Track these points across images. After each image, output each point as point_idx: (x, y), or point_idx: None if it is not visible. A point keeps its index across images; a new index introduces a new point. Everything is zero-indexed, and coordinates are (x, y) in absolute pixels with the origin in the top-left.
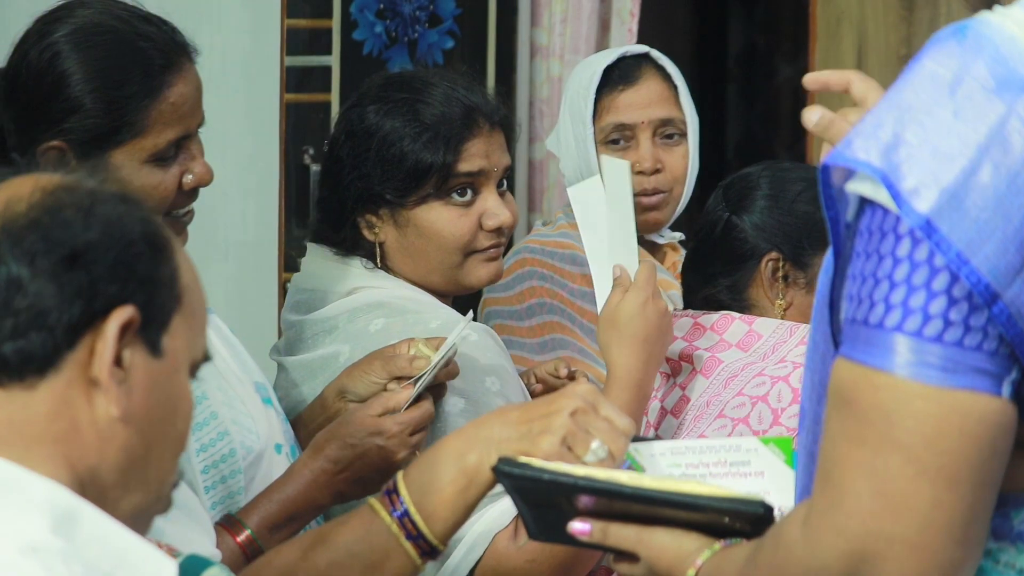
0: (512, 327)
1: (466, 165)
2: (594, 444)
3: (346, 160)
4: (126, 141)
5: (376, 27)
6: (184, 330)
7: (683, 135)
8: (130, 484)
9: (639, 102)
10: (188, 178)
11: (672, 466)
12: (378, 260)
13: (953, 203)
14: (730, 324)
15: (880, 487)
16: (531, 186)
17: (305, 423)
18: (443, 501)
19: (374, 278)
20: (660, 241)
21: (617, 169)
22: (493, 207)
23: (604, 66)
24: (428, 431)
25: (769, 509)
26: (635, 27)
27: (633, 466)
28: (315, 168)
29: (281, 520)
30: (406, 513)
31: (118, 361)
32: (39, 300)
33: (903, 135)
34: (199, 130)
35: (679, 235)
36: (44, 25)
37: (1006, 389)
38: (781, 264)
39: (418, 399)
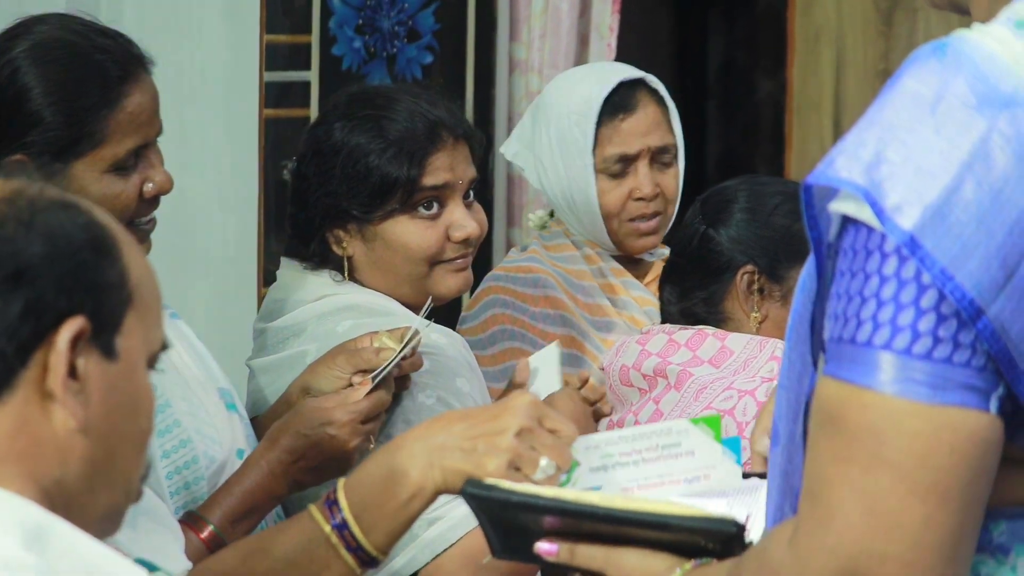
0: (477, 356)
1: (431, 179)
2: (543, 462)
3: (313, 177)
4: (86, 152)
5: (355, 42)
6: (138, 327)
7: (675, 157)
8: (96, 488)
9: (639, 130)
10: (149, 186)
11: (605, 456)
12: (346, 273)
13: (936, 219)
14: (703, 340)
15: (871, 505)
16: (510, 201)
17: (269, 420)
18: (383, 515)
19: (343, 287)
20: (651, 259)
21: (550, 352)
22: (459, 219)
23: (603, 95)
24: (382, 419)
25: (740, 528)
26: (614, 42)
27: None
28: None
29: (241, 512)
30: (345, 524)
31: (72, 372)
32: None
33: (885, 153)
34: (158, 140)
35: (666, 251)
36: (2, 42)
37: (993, 405)
38: (757, 277)
39: (375, 389)
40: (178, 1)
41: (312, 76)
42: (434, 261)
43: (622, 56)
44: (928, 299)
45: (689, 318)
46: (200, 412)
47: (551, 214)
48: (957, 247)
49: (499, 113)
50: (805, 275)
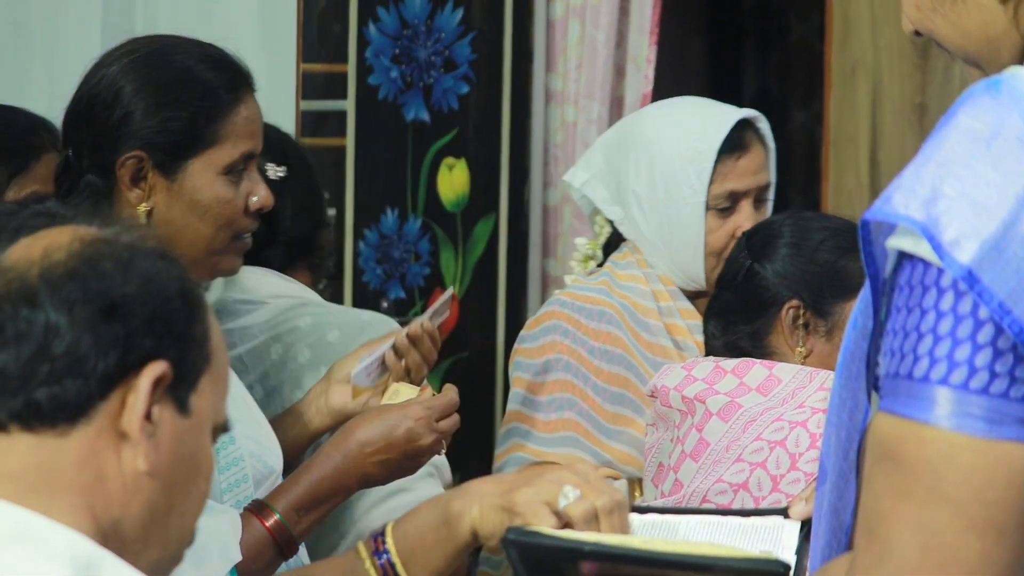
0: (526, 379)
1: None
2: (565, 488)
3: None
4: (202, 151)
5: (392, 72)
6: (210, 391)
7: (769, 199)
8: (151, 540)
9: (751, 168)
10: (254, 200)
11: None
12: None
13: (994, 254)
14: (750, 368)
15: (928, 541)
16: (546, 231)
17: (293, 420)
18: (423, 546)
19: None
20: None
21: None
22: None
23: (724, 133)
24: (456, 421)
25: (787, 568)
26: (651, 73)
27: None
28: (330, 212)
29: (309, 502)
30: (387, 554)
31: (148, 415)
32: (75, 348)
33: (942, 188)
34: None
35: None
36: (124, 49)
37: None
38: (802, 312)
39: (443, 389)
40: (214, 28)
41: (348, 105)
42: None
43: (657, 86)
44: (985, 334)
45: (734, 351)
46: (253, 426)
47: (607, 242)
48: (1015, 281)
49: (535, 143)
50: (858, 312)
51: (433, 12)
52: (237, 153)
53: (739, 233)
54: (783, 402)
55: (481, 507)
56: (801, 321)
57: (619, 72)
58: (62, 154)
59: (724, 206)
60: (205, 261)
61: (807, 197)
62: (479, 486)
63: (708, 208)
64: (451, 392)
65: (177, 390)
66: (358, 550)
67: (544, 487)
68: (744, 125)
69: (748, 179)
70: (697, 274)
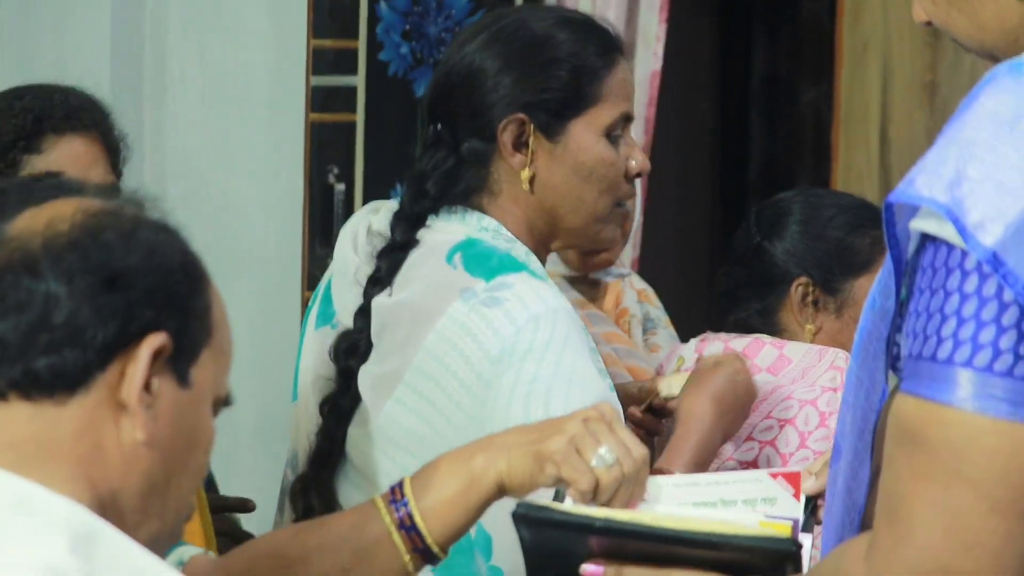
0: None
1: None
2: (601, 449)
3: None
4: (584, 110)
5: (402, 48)
6: (211, 364)
7: None
8: (149, 511)
9: None
10: (632, 163)
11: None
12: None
13: (1019, 236)
14: (761, 349)
15: (951, 523)
16: None
17: None
18: (443, 499)
19: None
20: (607, 279)
21: None
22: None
23: None
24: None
25: (799, 546)
26: (660, 51)
27: None
28: (339, 187)
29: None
30: (404, 504)
31: (147, 387)
32: (75, 318)
33: (965, 171)
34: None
35: (625, 271)
36: (485, 22)
37: None
38: (811, 289)
39: None
40: (224, 4)
41: (358, 81)
42: None
43: (667, 64)
44: (1009, 316)
45: (743, 328)
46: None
47: None
48: None
49: None
50: (876, 292)
51: None
52: (617, 113)
53: None
54: (793, 381)
55: (509, 459)
56: (810, 298)
57: (628, 49)
58: (428, 128)
59: None
60: (587, 229)
61: (816, 175)
62: (503, 438)
63: None
64: None
65: (177, 362)
66: (375, 501)
67: (577, 434)
68: None
69: None
70: None
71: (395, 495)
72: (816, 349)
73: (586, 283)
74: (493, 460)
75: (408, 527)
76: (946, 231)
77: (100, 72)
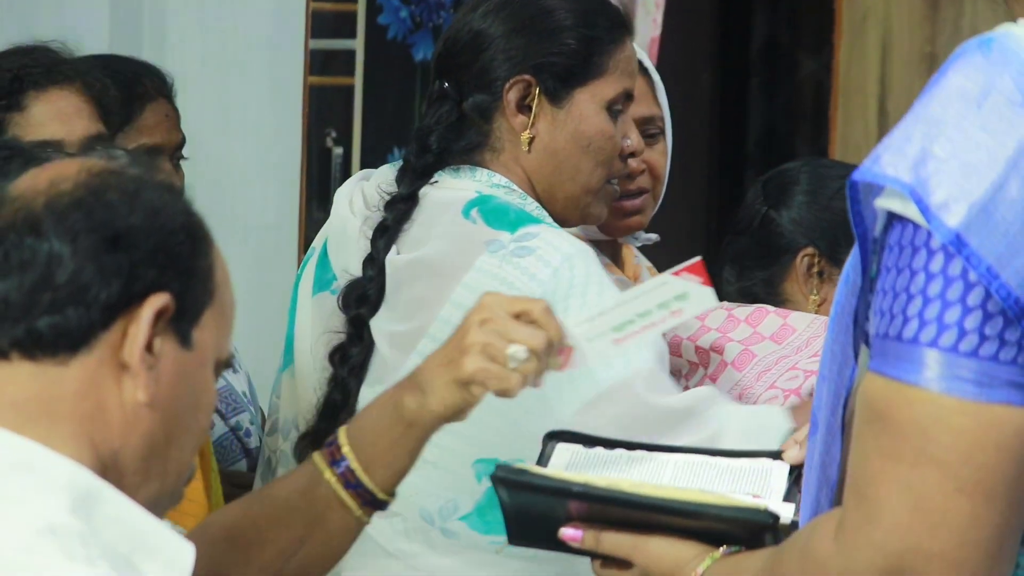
0: None
1: None
2: (511, 349)
3: None
4: (590, 80)
5: (401, 12)
6: (213, 326)
7: (662, 132)
8: (150, 472)
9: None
10: (627, 142)
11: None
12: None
13: (982, 217)
14: (764, 317)
15: (917, 503)
16: None
17: None
18: (382, 448)
19: None
20: (635, 244)
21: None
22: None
23: None
24: None
25: (776, 518)
26: (660, 17)
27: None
28: (337, 151)
29: None
30: (344, 462)
31: (149, 347)
32: (78, 277)
33: (931, 149)
34: None
35: (654, 236)
36: None
37: None
38: (817, 260)
39: None
40: None
41: (357, 45)
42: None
43: (667, 32)
44: (975, 297)
45: (748, 298)
46: None
47: None
48: (1003, 245)
49: None
50: (849, 268)
51: None
52: (620, 88)
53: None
54: (797, 351)
55: (437, 396)
56: (816, 269)
57: (629, 16)
58: (435, 84)
59: None
60: (579, 201)
61: (815, 146)
62: (422, 376)
63: None
64: None
65: (179, 323)
66: (314, 460)
67: (483, 343)
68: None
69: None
70: None
71: (334, 454)
72: (821, 319)
73: (609, 248)
74: (423, 402)
75: (354, 484)
76: (911, 211)
77: (99, 36)
